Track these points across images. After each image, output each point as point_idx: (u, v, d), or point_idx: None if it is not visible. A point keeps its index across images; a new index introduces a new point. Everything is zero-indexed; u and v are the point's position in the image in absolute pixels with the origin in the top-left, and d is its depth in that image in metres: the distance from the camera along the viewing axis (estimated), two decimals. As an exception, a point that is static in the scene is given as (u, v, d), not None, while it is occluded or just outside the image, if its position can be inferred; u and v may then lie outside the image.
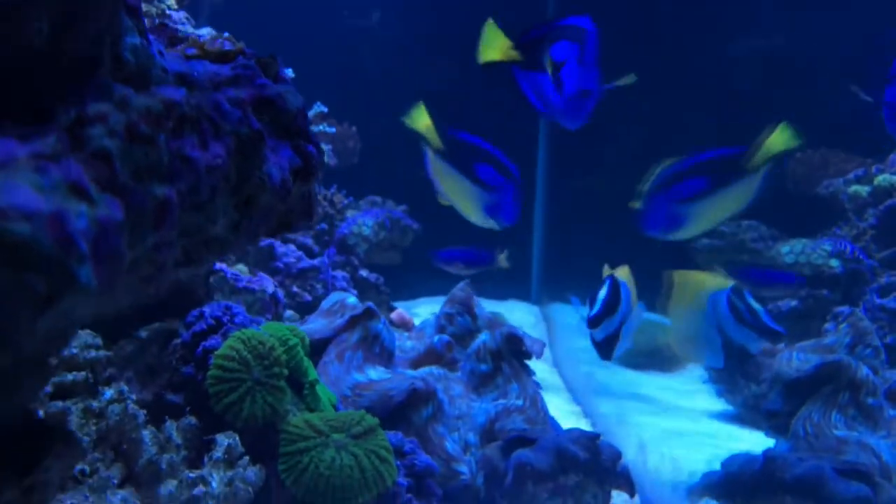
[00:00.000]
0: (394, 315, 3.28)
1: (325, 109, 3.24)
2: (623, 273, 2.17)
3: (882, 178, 3.52)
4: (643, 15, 4.33)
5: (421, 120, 2.35)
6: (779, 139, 2.22)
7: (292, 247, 3.22)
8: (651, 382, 3.60)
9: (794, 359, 2.43)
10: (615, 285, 2.07)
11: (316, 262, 3.24)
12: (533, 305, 4.83)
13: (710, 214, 2.29)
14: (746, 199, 2.21)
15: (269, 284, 2.24)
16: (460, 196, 2.42)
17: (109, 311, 0.58)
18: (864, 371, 2.16)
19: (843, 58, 4.05)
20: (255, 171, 0.59)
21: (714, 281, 2.25)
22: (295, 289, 3.15)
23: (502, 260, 3.42)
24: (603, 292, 2.07)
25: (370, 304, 2.23)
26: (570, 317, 4.32)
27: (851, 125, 3.98)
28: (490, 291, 4.19)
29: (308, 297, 3.16)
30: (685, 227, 2.26)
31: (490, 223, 2.40)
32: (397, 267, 4.04)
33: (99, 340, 1.55)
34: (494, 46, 2.16)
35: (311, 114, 3.24)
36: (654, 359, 3.85)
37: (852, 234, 3.51)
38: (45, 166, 0.44)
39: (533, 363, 2.31)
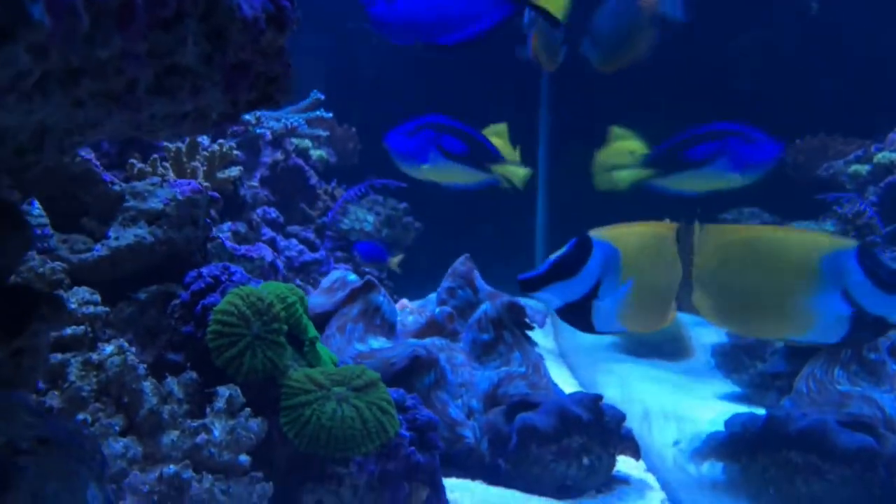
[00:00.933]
0: (397, 305, 3.27)
1: (322, 97, 3.26)
2: (618, 234, 1.73)
3: (882, 156, 3.52)
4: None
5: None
6: None
7: (294, 241, 3.23)
8: (657, 368, 3.58)
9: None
10: (582, 247, 1.70)
11: (318, 255, 3.24)
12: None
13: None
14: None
15: (267, 253, 2.25)
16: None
17: (88, 122, 0.58)
18: (866, 327, 2.14)
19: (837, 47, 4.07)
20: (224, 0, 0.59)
21: (823, 239, 1.79)
22: (298, 282, 3.15)
23: (394, 263, 3.49)
24: (556, 254, 1.73)
25: (370, 276, 2.23)
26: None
27: (850, 109, 4.00)
28: (496, 286, 4.18)
29: (311, 290, 3.15)
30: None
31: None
32: (400, 264, 4.04)
33: (97, 297, 1.55)
34: None
35: (307, 101, 3.26)
36: (661, 349, 3.83)
37: (853, 211, 3.50)
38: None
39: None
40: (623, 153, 2.53)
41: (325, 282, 2.33)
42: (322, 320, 2.16)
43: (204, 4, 0.58)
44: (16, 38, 0.44)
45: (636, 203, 2.28)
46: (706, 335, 3.75)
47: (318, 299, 2.23)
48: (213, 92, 0.65)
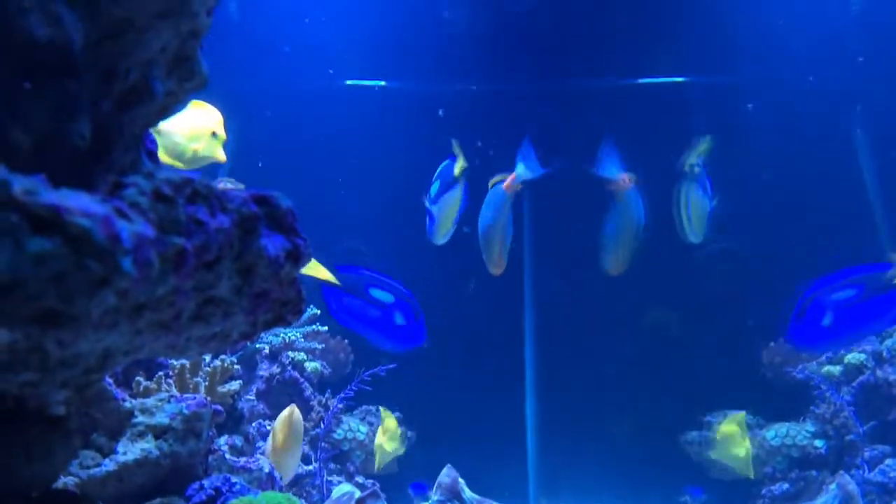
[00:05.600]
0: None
1: (318, 311, 3.41)
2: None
3: (851, 357, 3.64)
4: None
5: (316, 269, 2.65)
6: None
7: (288, 453, 3.24)
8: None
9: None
10: None
11: (311, 468, 3.25)
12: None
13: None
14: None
15: (265, 464, 2.29)
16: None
17: (139, 346, 0.69)
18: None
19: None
20: (254, 243, 0.72)
21: None
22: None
23: None
24: None
25: (375, 487, 2.27)
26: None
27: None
28: (489, 495, 4.15)
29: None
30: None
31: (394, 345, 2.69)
32: (395, 475, 4.02)
33: (105, 511, 1.59)
34: None
35: (304, 316, 3.40)
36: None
37: (830, 411, 3.58)
38: (97, 196, 0.58)
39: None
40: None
41: (335, 492, 2.38)
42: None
43: (238, 247, 0.71)
44: (110, 284, 0.56)
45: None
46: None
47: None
48: (238, 316, 0.77)
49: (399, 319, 2.64)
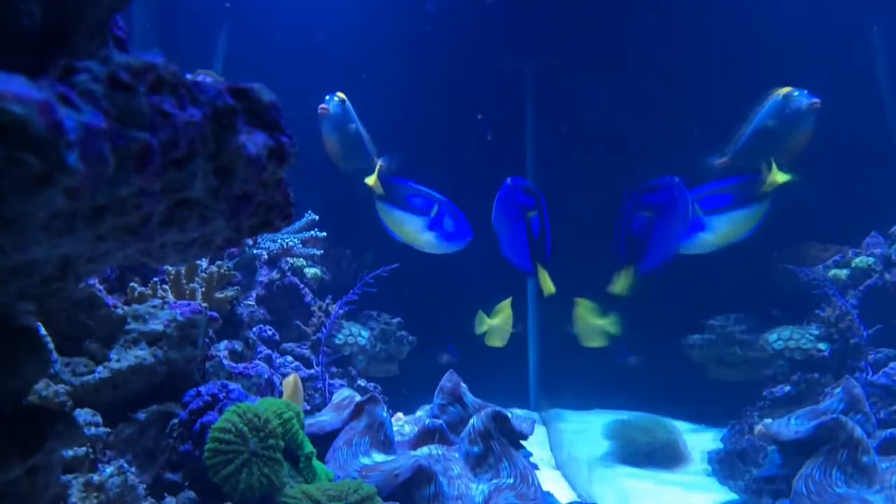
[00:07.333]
0: (393, 418, 3.26)
1: (316, 217, 3.36)
2: None
3: (859, 260, 3.59)
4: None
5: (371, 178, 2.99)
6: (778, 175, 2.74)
7: (289, 357, 3.24)
8: (653, 477, 3.54)
9: (793, 422, 2.42)
10: None
11: (313, 371, 3.25)
12: (532, 412, 4.80)
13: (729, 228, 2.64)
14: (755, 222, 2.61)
15: (264, 370, 2.27)
16: (404, 228, 2.96)
17: (104, 252, 0.62)
18: (859, 430, 2.17)
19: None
20: (231, 140, 0.65)
21: None
22: (294, 399, 3.15)
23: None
24: None
25: (374, 392, 2.26)
26: (570, 422, 4.29)
27: (824, 215, 4.10)
28: (492, 400, 4.19)
29: (306, 407, 3.15)
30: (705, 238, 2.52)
31: (442, 247, 2.93)
32: (395, 378, 4.05)
33: (98, 419, 1.57)
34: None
35: (302, 222, 3.35)
36: (656, 456, 3.79)
37: (835, 315, 3.55)
38: (37, 81, 0.50)
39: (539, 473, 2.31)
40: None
41: (336, 397, 2.37)
42: (332, 436, 2.18)
43: (213, 145, 0.64)
44: (53, 182, 0.49)
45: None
46: (701, 442, 3.74)
47: (328, 415, 2.25)
48: (218, 221, 0.70)
49: (448, 225, 2.90)
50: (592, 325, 3.48)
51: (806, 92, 3.16)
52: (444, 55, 4.60)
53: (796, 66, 3.99)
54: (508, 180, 2.91)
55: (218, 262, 2.47)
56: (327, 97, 3.30)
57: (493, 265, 4.53)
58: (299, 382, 2.26)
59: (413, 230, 2.96)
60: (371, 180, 2.99)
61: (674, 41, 4.44)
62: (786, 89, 3.21)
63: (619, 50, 4.60)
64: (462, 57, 4.69)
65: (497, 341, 3.51)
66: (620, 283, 2.98)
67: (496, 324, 3.49)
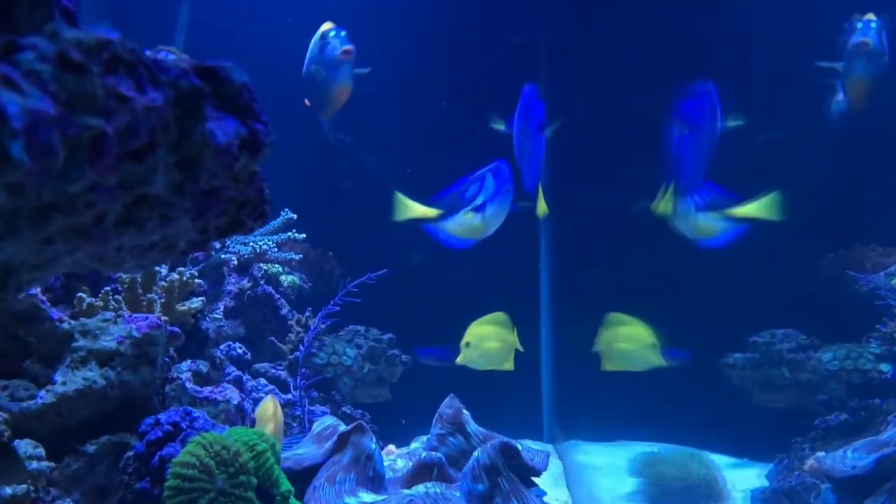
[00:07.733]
0: (384, 451, 3.27)
1: (294, 216, 3.37)
2: None
3: (927, 268, 3.61)
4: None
5: (409, 209, 3.06)
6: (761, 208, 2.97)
7: (262, 380, 3.24)
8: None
9: (850, 455, 2.42)
10: None
11: (291, 396, 3.26)
12: (546, 444, 4.80)
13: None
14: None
15: (233, 394, 2.28)
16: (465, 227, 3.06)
17: (52, 258, 0.63)
18: (928, 465, 2.18)
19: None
20: (197, 128, 0.65)
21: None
22: (268, 428, 3.16)
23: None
24: None
25: (361, 420, 2.26)
26: (590, 455, 4.29)
27: (883, 217, 4.11)
28: (500, 431, 4.19)
29: (286, 438, 3.16)
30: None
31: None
32: (386, 405, 4.04)
33: (41, 451, 1.57)
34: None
35: (277, 222, 3.36)
36: (691, 495, 3.80)
37: (899, 331, 3.56)
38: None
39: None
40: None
41: (317, 426, 2.37)
42: (312, 472, 2.18)
43: (176, 133, 0.65)
44: (-6, 173, 0.49)
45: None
46: (744, 478, 3.74)
47: (307, 448, 2.26)
48: (182, 221, 0.71)
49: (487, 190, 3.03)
50: (638, 343, 3.50)
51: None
52: (453, 30, 4.64)
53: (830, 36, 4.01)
54: (526, 86, 3.13)
55: (180, 269, 2.48)
56: (343, 33, 3.50)
57: (505, 274, 4.56)
58: (279, 408, 2.26)
59: (474, 225, 3.06)
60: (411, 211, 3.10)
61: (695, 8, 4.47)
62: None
63: (635, 20, 4.63)
64: (470, 32, 4.72)
65: (477, 361, 3.48)
66: (663, 203, 3.11)
67: (470, 341, 3.43)
